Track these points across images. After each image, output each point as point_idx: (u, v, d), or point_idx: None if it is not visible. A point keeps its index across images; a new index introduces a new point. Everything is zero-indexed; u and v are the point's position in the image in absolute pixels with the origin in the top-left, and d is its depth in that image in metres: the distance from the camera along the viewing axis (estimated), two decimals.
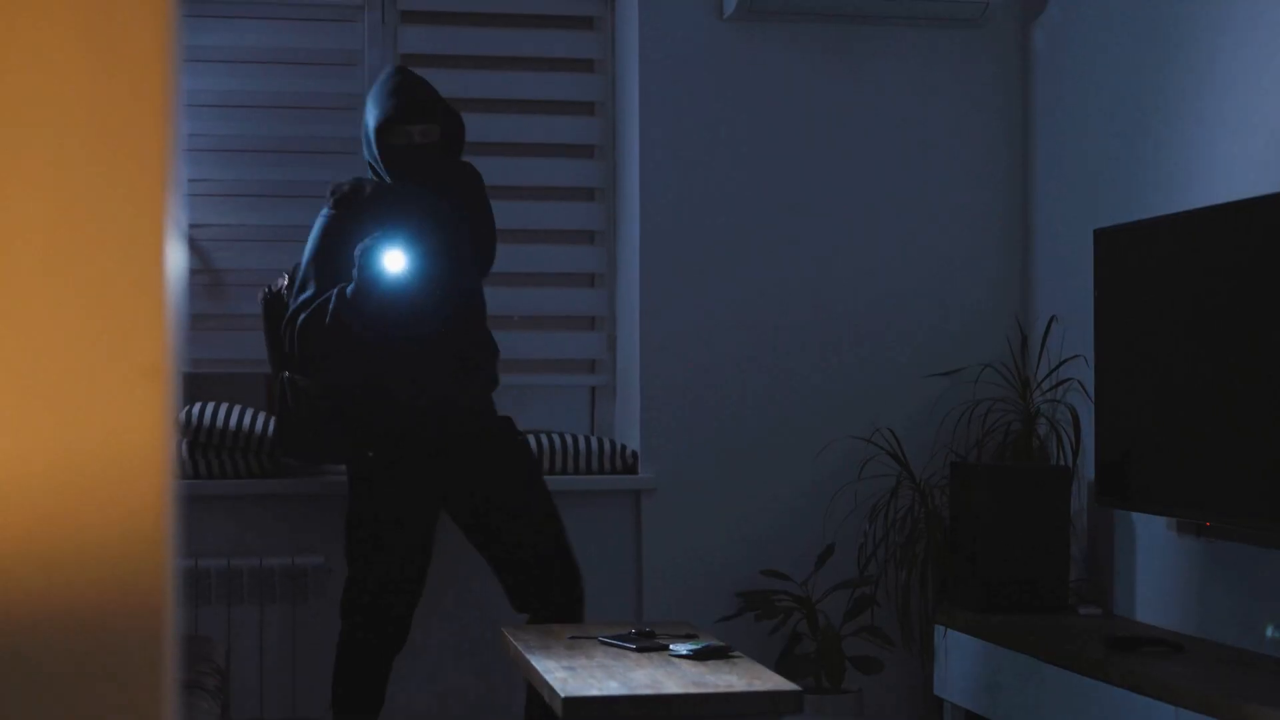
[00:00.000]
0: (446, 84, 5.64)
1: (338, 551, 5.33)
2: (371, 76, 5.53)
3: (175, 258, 1.03)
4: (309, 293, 4.73)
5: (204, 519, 5.27)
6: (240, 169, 5.48)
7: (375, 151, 4.79)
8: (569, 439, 5.53)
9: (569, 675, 3.65)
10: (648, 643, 4.03)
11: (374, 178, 4.89)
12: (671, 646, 3.99)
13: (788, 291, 5.61)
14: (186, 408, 5.30)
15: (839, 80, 5.66)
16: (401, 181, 4.79)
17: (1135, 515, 5.01)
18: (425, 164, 4.79)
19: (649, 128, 5.52)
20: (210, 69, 5.45)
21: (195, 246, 5.44)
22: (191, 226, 5.43)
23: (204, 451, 5.27)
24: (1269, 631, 2.76)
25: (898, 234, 5.68)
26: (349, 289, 4.64)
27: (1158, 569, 4.92)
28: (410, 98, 4.76)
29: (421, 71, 5.58)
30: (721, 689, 3.54)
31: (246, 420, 5.28)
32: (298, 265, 4.89)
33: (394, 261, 4.59)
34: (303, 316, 4.71)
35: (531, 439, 5.49)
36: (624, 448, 5.56)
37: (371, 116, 4.79)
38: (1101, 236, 4.92)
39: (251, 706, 5.18)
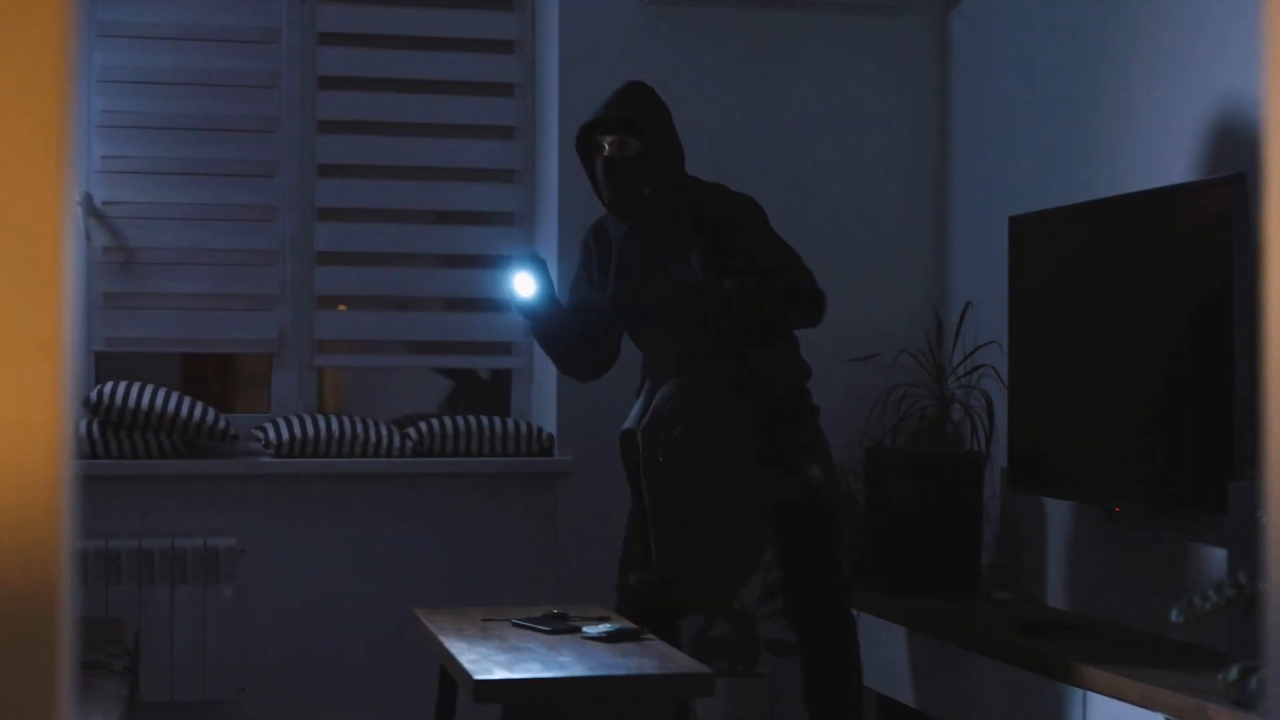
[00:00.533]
0: (364, 65, 5.62)
1: (251, 533, 5.30)
2: (289, 54, 5.50)
3: (72, 232, 1.02)
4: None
5: (115, 499, 5.22)
6: (156, 146, 5.43)
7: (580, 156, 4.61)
8: (484, 421, 5.51)
9: (480, 657, 3.64)
10: (560, 625, 4.03)
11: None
12: (584, 629, 3.99)
13: None
14: (98, 387, 5.25)
15: (757, 66, 5.67)
16: (598, 191, 4.61)
17: (1047, 501, 5.05)
18: (622, 181, 4.48)
19: (569, 110, 5.51)
20: (126, 45, 5.39)
21: (109, 224, 5.39)
22: (105, 204, 5.38)
23: (115, 431, 5.22)
24: (1174, 615, 2.78)
25: (815, 219, 5.69)
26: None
27: (1068, 554, 4.97)
28: (603, 107, 4.49)
29: (339, 51, 5.56)
30: (633, 672, 3.54)
31: (159, 400, 5.23)
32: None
33: (524, 285, 4.50)
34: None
35: (448, 421, 5.47)
36: (540, 430, 5.56)
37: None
38: (1016, 224, 4.95)
39: (162, 689, 5.15)
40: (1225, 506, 3.71)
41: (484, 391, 6.02)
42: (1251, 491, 3.46)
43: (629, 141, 4.41)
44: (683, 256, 4.42)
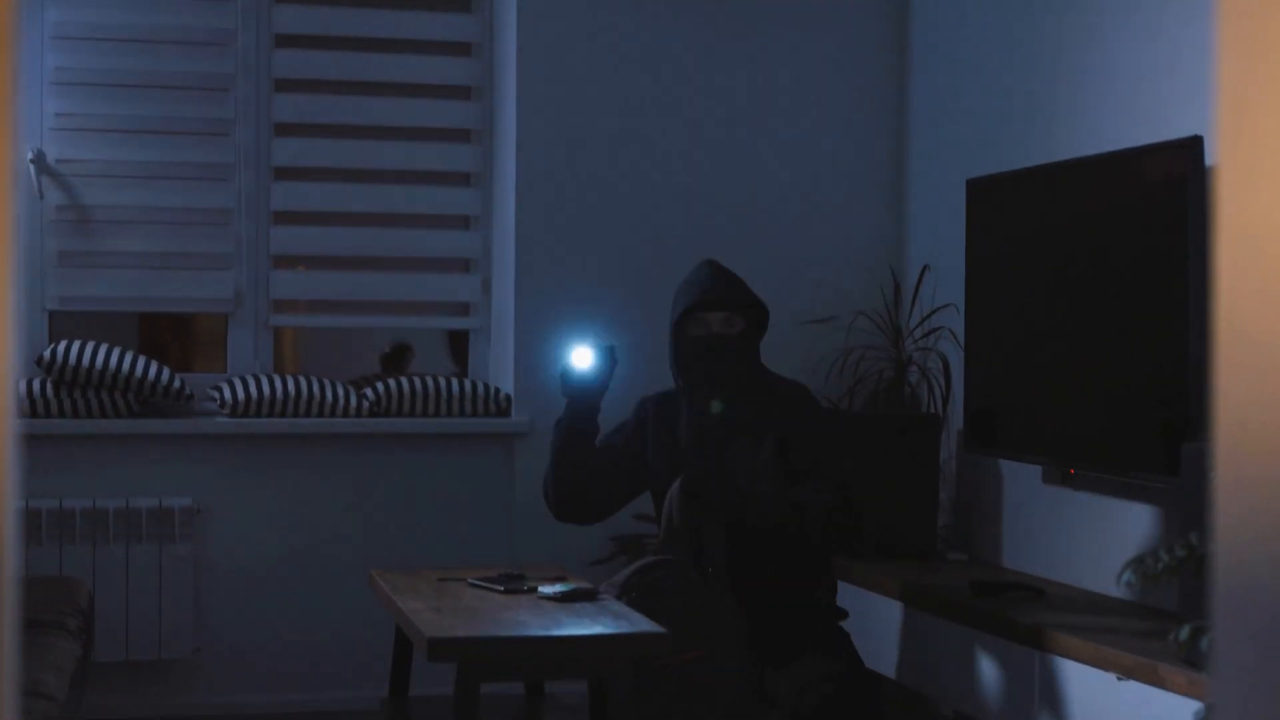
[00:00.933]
0: (321, 22, 5.58)
1: (207, 493, 5.28)
2: (243, 11, 5.46)
3: (16, 189, 1.00)
4: None
5: (69, 459, 5.19)
6: (110, 104, 5.39)
7: (672, 347, 4.36)
8: (442, 381, 5.50)
9: (435, 616, 3.64)
10: (516, 585, 4.03)
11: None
12: (540, 589, 3.99)
13: (663, 238, 5.61)
14: (51, 346, 5.21)
15: (716, 23, 5.65)
16: (690, 377, 4.34)
17: (1003, 463, 5.07)
18: (726, 358, 4.28)
19: (527, 69, 5.49)
20: (80, 1, 5.34)
21: (63, 182, 5.34)
22: (59, 161, 5.33)
23: (70, 390, 5.19)
24: (1126, 576, 2.80)
25: (773, 181, 5.69)
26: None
27: (1023, 516, 4.99)
28: (714, 286, 4.30)
29: (294, 8, 5.53)
30: (587, 632, 3.55)
31: (114, 359, 5.20)
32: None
33: (581, 358, 4.33)
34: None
35: (404, 381, 5.46)
36: (498, 391, 5.55)
37: (674, 310, 4.36)
38: (973, 186, 4.95)
39: (117, 648, 5.13)
40: (1178, 468, 3.72)
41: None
42: (1204, 453, 3.48)
43: (734, 319, 4.27)
44: (755, 444, 4.28)
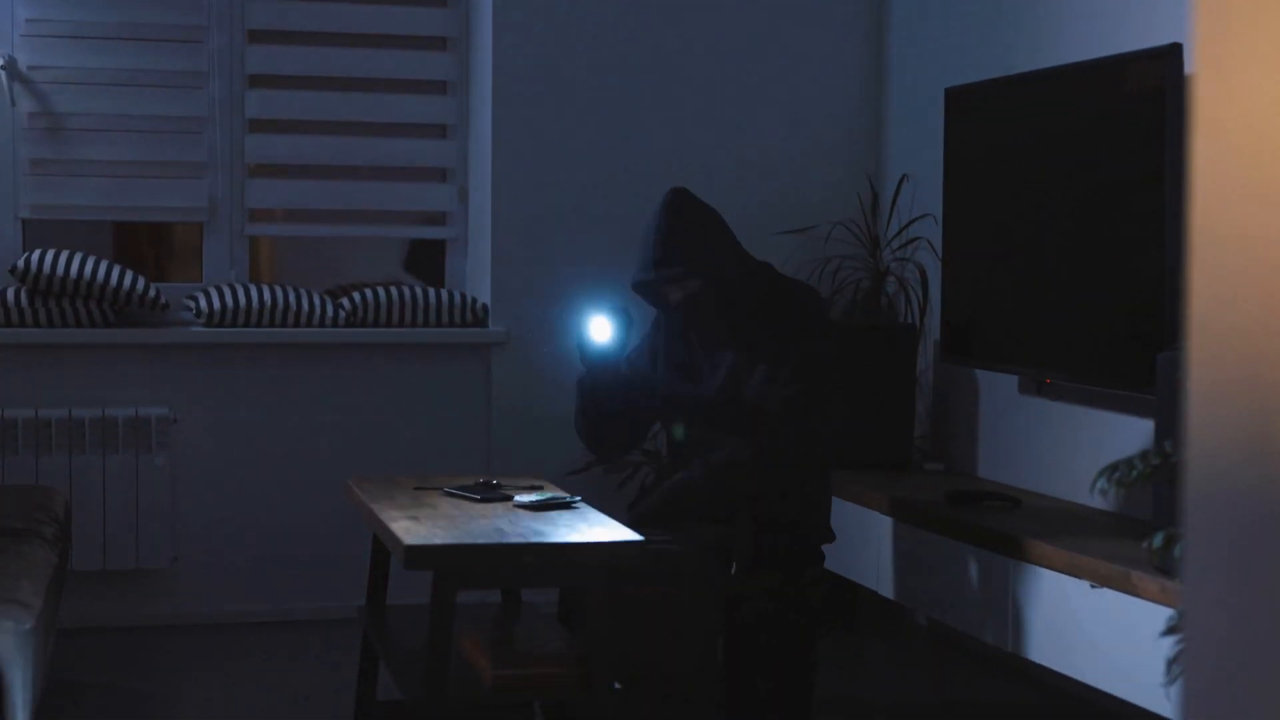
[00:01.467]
0: None
1: (183, 402, 5.28)
2: None
3: None
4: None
5: (45, 368, 5.18)
6: (82, 10, 5.33)
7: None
8: (419, 291, 5.49)
9: (412, 524, 3.64)
10: (492, 493, 4.03)
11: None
12: (516, 498, 3.99)
13: (640, 147, 5.58)
14: (26, 255, 5.18)
15: None
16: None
17: (979, 373, 5.07)
18: (704, 317, 4.20)
19: None
20: None
21: (34, 89, 5.29)
22: (30, 68, 5.28)
23: (44, 299, 5.17)
24: (1100, 483, 2.81)
25: (751, 91, 5.66)
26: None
27: (999, 427, 5.00)
28: (653, 259, 4.16)
29: None
30: (563, 539, 3.55)
31: (88, 268, 5.17)
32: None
33: (599, 329, 4.19)
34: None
35: (381, 291, 5.45)
36: (474, 300, 5.53)
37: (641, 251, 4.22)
38: (952, 95, 4.93)
39: (94, 557, 5.14)
40: (1153, 378, 3.73)
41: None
42: (1179, 362, 3.48)
43: (689, 283, 4.17)
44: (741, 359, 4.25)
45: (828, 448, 4.20)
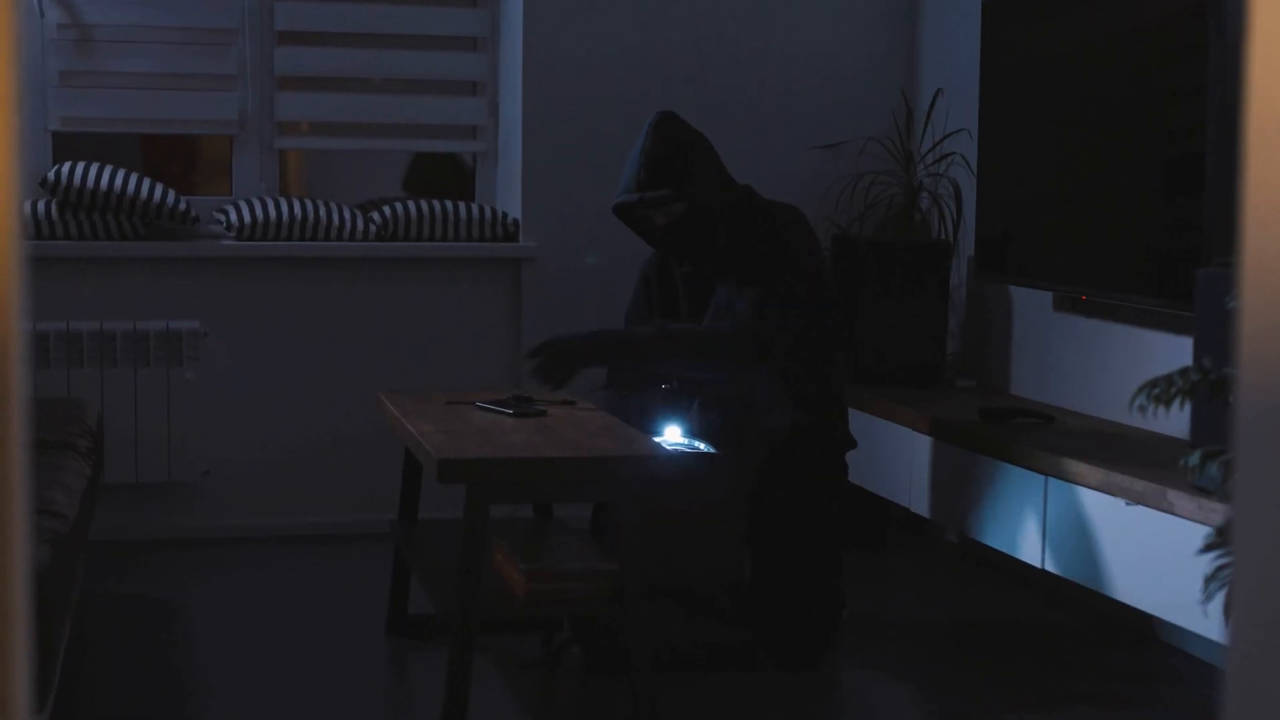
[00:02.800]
0: None
1: (213, 316, 5.27)
2: None
3: (13, 5, 0.96)
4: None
5: (75, 281, 5.17)
6: None
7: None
8: (449, 206, 5.46)
9: (444, 438, 3.64)
10: (525, 408, 4.02)
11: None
12: (549, 412, 3.99)
13: (671, 61, 5.53)
14: (56, 167, 5.17)
15: None
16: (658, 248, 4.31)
17: (1013, 290, 5.04)
18: (687, 242, 4.21)
19: None
20: None
21: (63, 1, 5.26)
22: None
23: (74, 212, 5.16)
24: (1140, 399, 2.78)
25: (785, 6, 5.60)
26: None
27: (1033, 344, 4.97)
28: (634, 181, 4.16)
29: None
30: (596, 453, 3.54)
31: (118, 181, 5.16)
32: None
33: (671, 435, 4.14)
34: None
35: (411, 205, 5.42)
36: (505, 215, 5.51)
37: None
38: (989, 8, 4.87)
39: (127, 470, 5.15)
40: (1192, 295, 3.69)
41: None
42: (1219, 279, 3.44)
43: (673, 207, 4.14)
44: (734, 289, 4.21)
45: (803, 341, 4.14)
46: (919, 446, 4.58)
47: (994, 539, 4.24)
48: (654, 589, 3.86)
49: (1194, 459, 2.95)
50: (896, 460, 4.70)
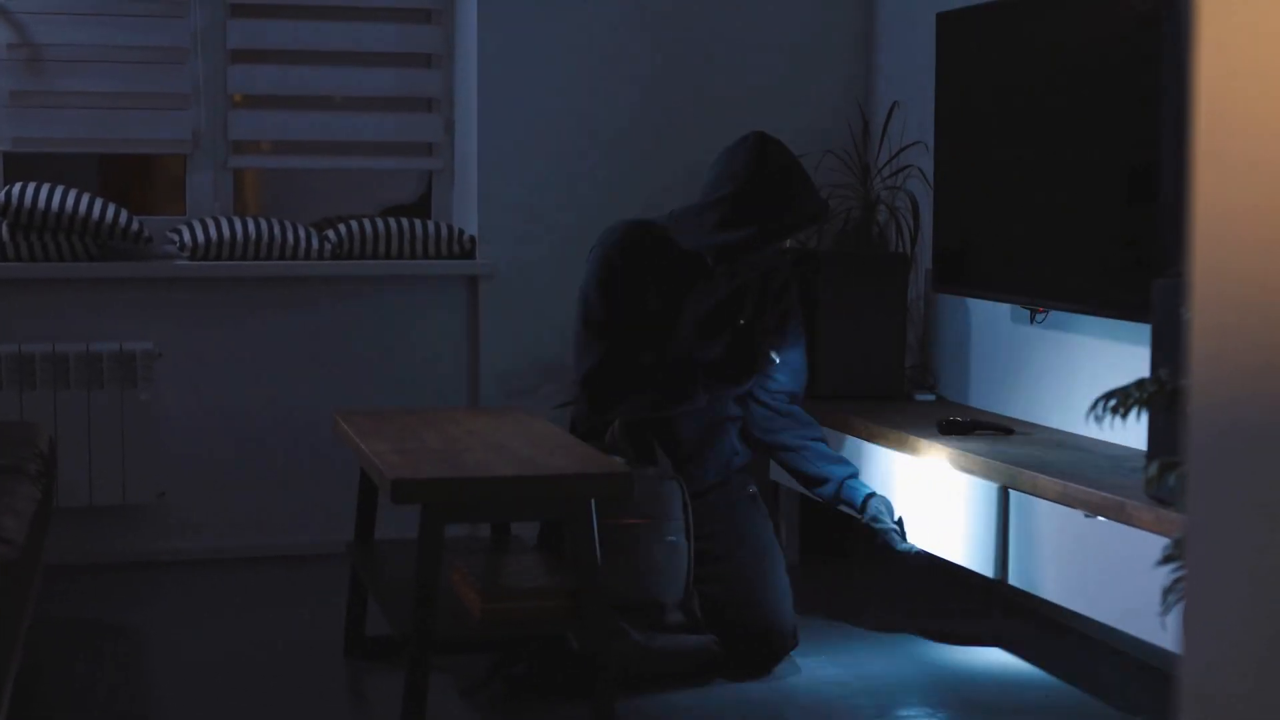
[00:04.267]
0: None
1: (168, 336, 5.23)
2: None
3: None
4: (600, 350, 4.25)
5: (28, 303, 5.13)
6: None
7: (720, 236, 4.21)
8: (405, 223, 5.43)
9: (400, 459, 3.61)
10: None
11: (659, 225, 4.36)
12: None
13: (628, 74, 5.52)
14: (6, 188, 5.12)
15: None
16: (721, 266, 4.27)
17: (971, 302, 5.04)
18: (776, 255, 4.29)
19: None
20: None
21: (13, 19, 5.22)
22: None
23: (26, 233, 5.11)
24: (1095, 412, 2.77)
25: (741, 18, 5.59)
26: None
27: (991, 356, 4.97)
28: (806, 207, 4.20)
29: None
30: (553, 471, 3.52)
31: (70, 201, 5.11)
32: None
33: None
34: (639, 401, 4.25)
35: (367, 223, 5.40)
36: (461, 232, 5.48)
37: (746, 227, 4.17)
38: (943, 21, 4.87)
39: (81, 493, 5.10)
40: (1148, 305, 3.69)
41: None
42: (1175, 289, 3.44)
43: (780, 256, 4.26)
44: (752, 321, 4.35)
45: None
46: (879, 458, 4.56)
47: (953, 553, 4.23)
48: (610, 604, 3.85)
49: (1152, 470, 2.94)
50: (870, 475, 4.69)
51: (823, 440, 4.47)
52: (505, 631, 3.68)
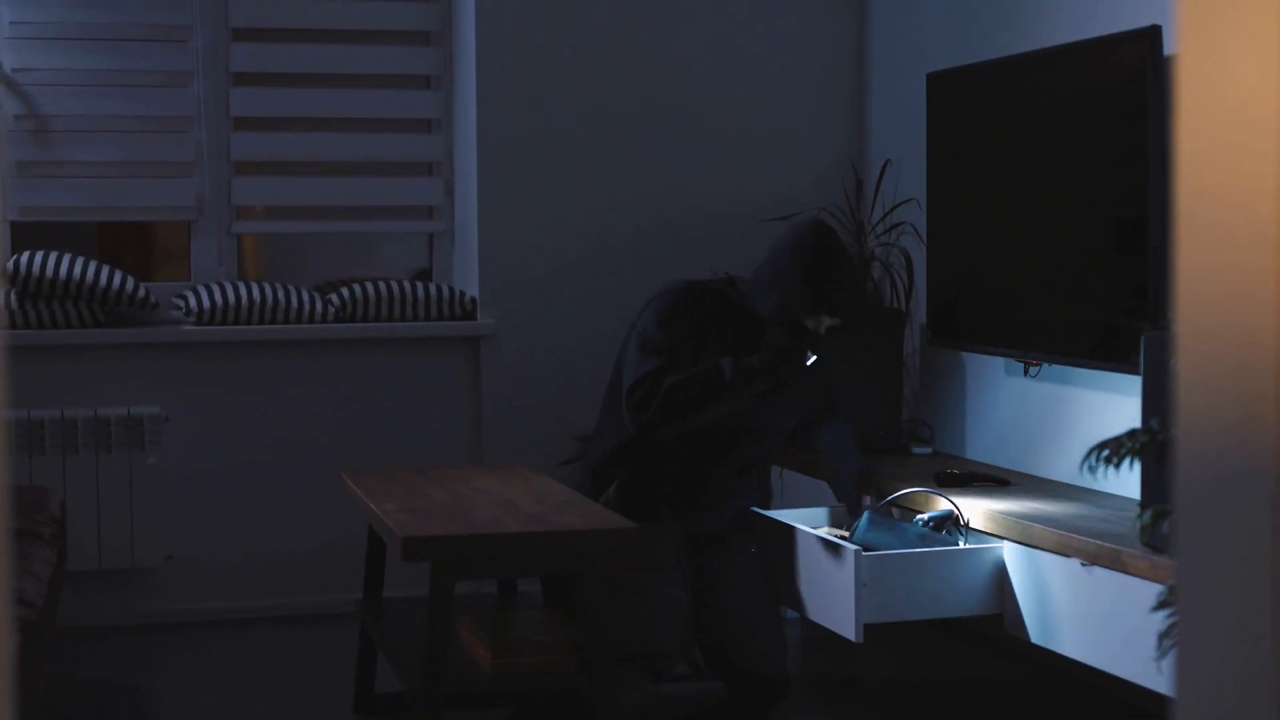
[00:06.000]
0: None
1: (175, 400, 5.29)
2: None
3: None
4: (655, 363, 4.27)
5: (36, 369, 5.19)
6: (66, 11, 5.34)
7: (774, 304, 4.25)
8: (407, 285, 5.51)
9: (408, 517, 3.67)
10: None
11: (721, 288, 4.43)
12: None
13: (626, 137, 5.60)
14: (15, 257, 5.20)
15: None
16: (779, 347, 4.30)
17: (966, 356, 5.11)
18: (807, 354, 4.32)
19: None
20: None
21: (19, 91, 5.31)
22: (15, 70, 5.30)
23: (34, 301, 5.18)
24: (1088, 463, 2.84)
25: (734, 80, 5.69)
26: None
27: (987, 409, 5.04)
28: (845, 289, 4.27)
29: None
30: (560, 528, 3.59)
31: (78, 269, 5.19)
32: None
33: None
34: (676, 379, 4.25)
35: (370, 286, 5.47)
36: (463, 294, 5.56)
37: (798, 287, 4.21)
38: (934, 80, 4.96)
39: (90, 557, 5.15)
40: (1139, 357, 3.76)
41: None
42: (1164, 341, 3.52)
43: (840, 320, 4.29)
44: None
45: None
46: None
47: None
48: (617, 655, 3.91)
49: (1145, 518, 3.01)
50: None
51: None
52: (515, 685, 3.73)
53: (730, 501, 4.43)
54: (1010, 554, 4.02)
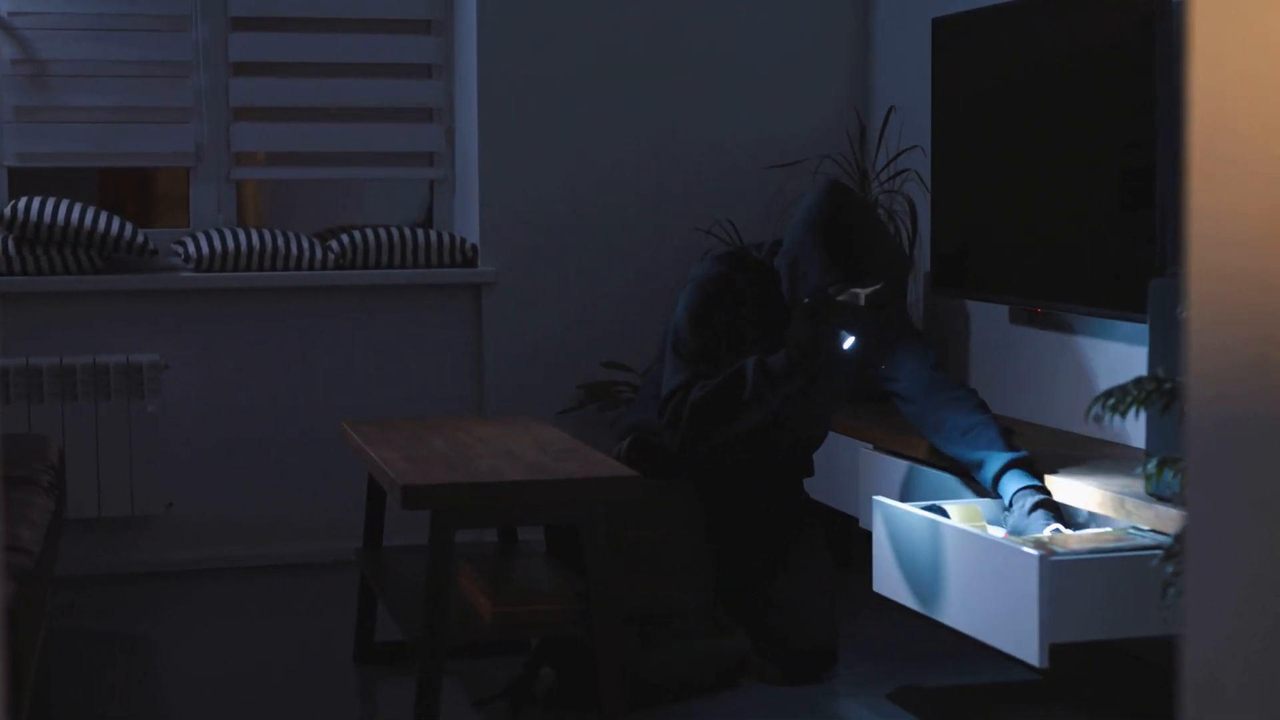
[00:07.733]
0: None
1: (174, 348, 5.27)
2: None
3: None
4: (683, 376, 4.11)
5: (34, 316, 5.17)
6: None
7: (802, 286, 4.02)
8: (408, 232, 5.47)
9: (409, 465, 3.65)
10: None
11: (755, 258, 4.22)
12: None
13: (627, 85, 5.56)
14: (12, 203, 5.16)
15: None
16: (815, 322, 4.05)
17: (971, 304, 5.08)
18: (855, 320, 4.05)
19: None
20: None
21: (17, 35, 5.26)
22: (12, 14, 5.25)
23: (33, 247, 5.15)
24: (1093, 411, 2.82)
25: (737, 26, 5.64)
26: (776, 360, 4.06)
27: (991, 357, 5.01)
28: (875, 251, 4.03)
29: None
30: (561, 476, 3.56)
31: (75, 215, 5.16)
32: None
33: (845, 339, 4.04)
34: (699, 394, 4.08)
35: (370, 233, 5.43)
36: (464, 241, 5.53)
37: (821, 263, 3.98)
38: (939, 25, 4.92)
39: (90, 505, 5.14)
40: (1146, 305, 3.73)
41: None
42: (1171, 288, 3.49)
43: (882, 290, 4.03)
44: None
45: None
46: (877, 461, 4.60)
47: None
48: (640, 616, 3.92)
49: (1150, 467, 2.99)
50: (855, 475, 4.73)
51: (974, 409, 4.15)
52: (516, 635, 3.72)
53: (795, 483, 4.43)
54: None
